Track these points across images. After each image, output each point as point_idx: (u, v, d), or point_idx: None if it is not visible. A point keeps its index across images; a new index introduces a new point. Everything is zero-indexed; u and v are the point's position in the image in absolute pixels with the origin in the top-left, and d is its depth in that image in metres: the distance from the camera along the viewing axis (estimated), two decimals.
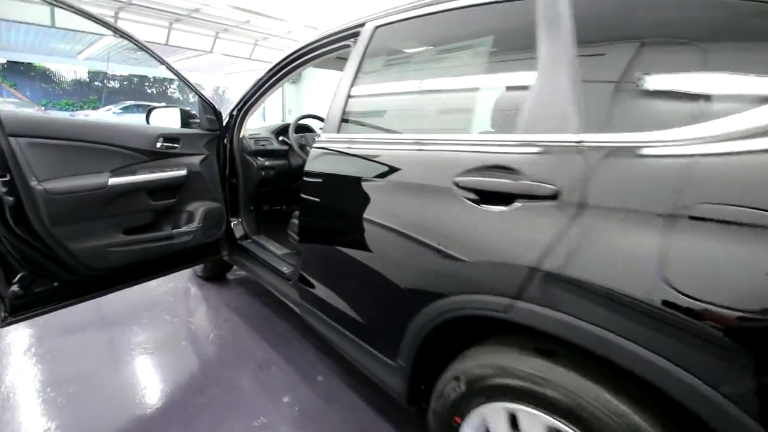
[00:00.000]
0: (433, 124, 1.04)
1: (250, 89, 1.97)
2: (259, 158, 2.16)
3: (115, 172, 1.52)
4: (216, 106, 1.92)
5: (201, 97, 1.85)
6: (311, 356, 1.79)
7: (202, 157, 1.86)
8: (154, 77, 20.21)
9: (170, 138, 1.74)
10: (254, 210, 2.28)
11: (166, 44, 8.88)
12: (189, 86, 1.79)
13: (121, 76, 19.82)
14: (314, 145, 1.36)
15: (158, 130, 1.70)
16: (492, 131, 0.90)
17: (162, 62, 1.64)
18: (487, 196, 0.83)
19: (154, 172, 1.64)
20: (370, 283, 1.11)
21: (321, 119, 2.46)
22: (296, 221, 1.87)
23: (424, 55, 1.12)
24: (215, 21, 7.99)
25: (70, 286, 1.48)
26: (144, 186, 1.61)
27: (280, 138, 2.34)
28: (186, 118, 1.93)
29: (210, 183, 1.91)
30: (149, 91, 21.13)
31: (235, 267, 2.48)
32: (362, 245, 1.13)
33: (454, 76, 1.03)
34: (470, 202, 0.85)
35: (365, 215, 1.10)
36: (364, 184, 1.13)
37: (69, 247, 1.39)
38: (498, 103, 0.92)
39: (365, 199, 1.11)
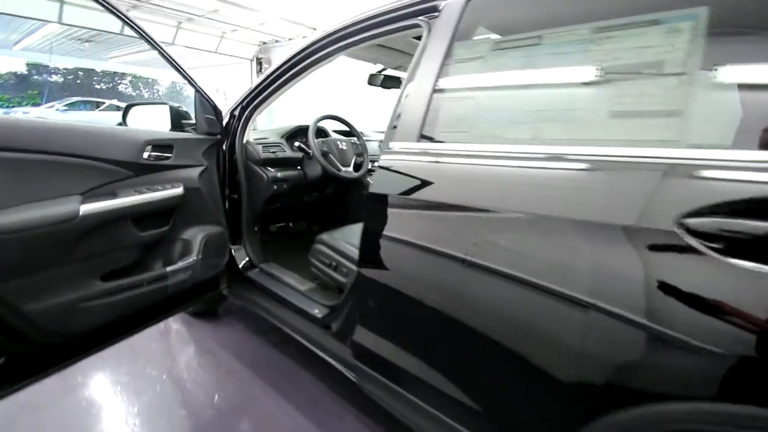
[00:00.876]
0: (614, 132, 0.71)
1: (261, 83, 1.56)
2: (270, 168, 1.74)
3: (88, 195, 1.08)
4: (216, 104, 1.50)
5: (200, 92, 1.43)
6: (353, 421, 1.42)
7: (201, 168, 1.44)
8: (102, 71, 18.66)
9: (161, 145, 1.31)
10: (258, 231, 1.87)
11: (121, 33, 8.00)
12: (187, 78, 1.37)
13: (65, 69, 18.14)
14: (383, 158, 0.99)
15: (145, 135, 1.27)
16: (744, 146, 0.58)
17: (155, 47, 1.23)
18: (757, 248, 0.52)
19: (142, 192, 1.21)
20: (503, 366, 0.78)
21: (342, 120, 2.06)
22: (321, 247, 1.50)
23: (570, 35, 0.79)
24: (178, 9, 7.24)
25: (24, 362, 1.03)
26: (128, 212, 1.17)
27: (296, 144, 1.93)
28: (177, 119, 1.49)
29: (210, 201, 1.49)
30: (98, 86, 19.50)
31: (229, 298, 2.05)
32: (486, 308, 0.79)
33: (636, 65, 0.70)
34: (721, 258, 0.54)
35: (494, 266, 0.76)
36: (490, 217, 0.79)
37: (21, 309, 0.94)
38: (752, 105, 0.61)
39: (495, 241, 0.78)
